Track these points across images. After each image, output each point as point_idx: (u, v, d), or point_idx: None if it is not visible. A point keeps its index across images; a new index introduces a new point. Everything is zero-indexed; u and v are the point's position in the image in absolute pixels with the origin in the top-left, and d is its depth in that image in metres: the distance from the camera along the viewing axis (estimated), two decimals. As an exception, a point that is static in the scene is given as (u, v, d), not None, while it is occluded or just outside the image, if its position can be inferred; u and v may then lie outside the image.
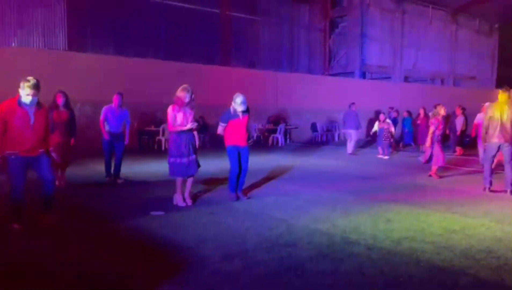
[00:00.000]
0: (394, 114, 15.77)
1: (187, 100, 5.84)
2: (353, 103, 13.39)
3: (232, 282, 3.35)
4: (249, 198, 6.47)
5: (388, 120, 12.87)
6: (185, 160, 5.86)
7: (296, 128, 19.25)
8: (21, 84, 4.48)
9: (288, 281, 3.38)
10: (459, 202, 6.39)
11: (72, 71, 13.37)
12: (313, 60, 23.95)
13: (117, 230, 4.79)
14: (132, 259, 3.87)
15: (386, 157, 12.31)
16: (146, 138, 15.04)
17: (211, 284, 3.31)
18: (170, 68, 15.84)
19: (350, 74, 23.75)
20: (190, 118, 5.92)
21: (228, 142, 6.34)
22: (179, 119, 5.87)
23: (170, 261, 3.85)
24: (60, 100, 7.04)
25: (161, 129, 14.71)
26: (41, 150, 4.68)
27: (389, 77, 25.41)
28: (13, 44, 14.64)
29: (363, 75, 24.07)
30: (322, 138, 19.57)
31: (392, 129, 12.82)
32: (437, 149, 8.62)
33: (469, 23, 29.02)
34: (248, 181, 6.63)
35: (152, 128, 14.95)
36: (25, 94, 4.47)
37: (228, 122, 6.30)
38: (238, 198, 6.31)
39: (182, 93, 5.83)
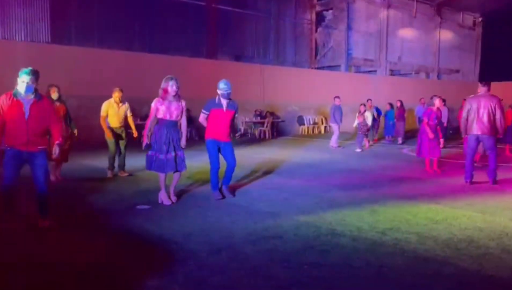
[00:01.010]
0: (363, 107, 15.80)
1: (173, 88, 5.47)
2: (337, 97, 13.44)
3: (219, 274, 3.37)
4: (235, 196, 6.16)
5: (367, 113, 12.88)
6: (162, 156, 5.49)
7: (283, 121, 19.30)
8: (19, 73, 4.29)
9: (275, 273, 3.41)
10: (443, 193, 6.50)
11: (56, 64, 13.16)
12: (300, 53, 23.97)
13: (103, 224, 4.76)
14: (119, 253, 3.85)
15: (358, 150, 12.28)
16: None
17: (198, 277, 3.32)
18: (156, 61, 15.70)
19: (336, 67, 23.85)
20: (176, 112, 5.56)
21: (208, 135, 5.99)
22: (161, 112, 5.52)
23: (157, 255, 3.84)
24: (55, 94, 6.92)
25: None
26: (40, 147, 4.41)
27: (375, 71, 25.59)
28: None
29: (349, 69, 24.19)
30: (309, 131, 19.67)
31: (368, 122, 12.86)
32: (429, 141, 8.35)
33: (453, 17, 29.35)
34: (234, 174, 6.40)
35: (138, 121, 14.82)
36: (21, 81, 4.23)
37: (210, 111, 5.95)
38: (223, 197, 5.97)
39: (165, 83, 5.52)
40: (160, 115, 5.55)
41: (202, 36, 19.40)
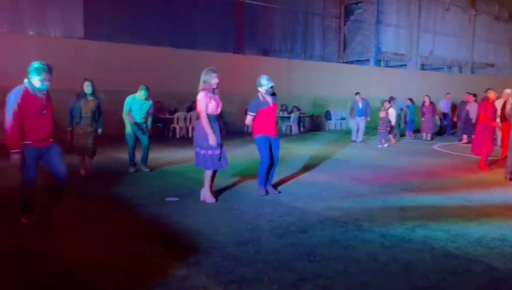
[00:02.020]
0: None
1: (215, 81, 5.26)
2: (357, 93, 13.30)
3: (245, 266, 3.39)
4: (279, 192, 6.02)
5: (391, 110, 12.60)
6: (218, 151, 5.31)
7: (310, 116, 19.17)
8: (34, 69, 4.18)
9: (301, 267, 3.41)
10: (476, 190, 6.32)
11: (88, 59, 13.51)
12: (328, 47, 23.71)
13: (131, 215, 4.87)
14: (147, 243, 3.93)
15: (384, 146, 11.97)
16: (161, 126, 15.16)
17: (224, 268, 3.35)
18: (183, 56, 15.89)
19: (365, 61, 23.49)
20: (219, 104, 5.36)
21: (258, 132, 5.77)
22: (211, 106, 5.27)
23: (184, 245, 3.90)
24: (89, 89, 6.99)
25: (175, 117, 14.81)
26: (51, 140, 4.43)
27: (405, 65, 25.04)
28: (31, 32, 14.81)
29: (378, 63, 23.77)
30: (336, 126, 19.47)
31: (392, 119, 12.56)
32: (485, 137, 7.95)
33: (488, 9, 28.32)
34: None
35: (167, 115, 15.05)
36: (40, 79, 4.17)
37: (257, 112, 5.73)
38: (267, 193, 5.85)
39: (208, 76, 5.26)
40: (208, 110, 5.29)
41: (229, 31, 19.46)
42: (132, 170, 7.59)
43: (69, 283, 3.10)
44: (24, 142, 4.19)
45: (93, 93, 7.11)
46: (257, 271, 3.31)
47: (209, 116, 5.26)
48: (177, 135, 14.60)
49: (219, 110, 5.38)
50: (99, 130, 7.36)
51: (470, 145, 11.74)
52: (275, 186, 6.21)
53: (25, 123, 4.18)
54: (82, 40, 15.20)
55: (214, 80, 5.26)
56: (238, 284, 3.08)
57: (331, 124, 19.50)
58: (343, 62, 23.63)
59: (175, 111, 15.14)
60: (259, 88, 5.73)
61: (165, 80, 15.18)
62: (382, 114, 12.23)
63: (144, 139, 7.66)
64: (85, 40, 15.14)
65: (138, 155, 7.74)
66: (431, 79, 24.31)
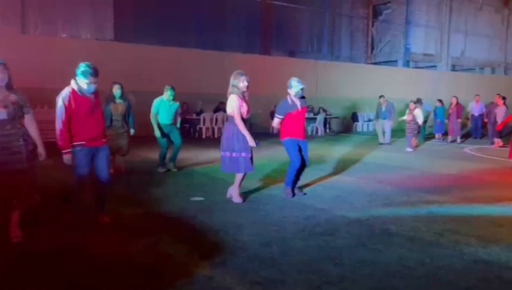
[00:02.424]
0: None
1: (244, 84, 5.22)
2: (381, 96, 13.10)
3: (269, 267, 3.39)
4: (305, 194, 5.99)
5: (416, 111, 12.28)
6: (249, 155, 5.29)
7: (336, 117, 19.00)
8: (80, 72, 4.20)
9: (326, 269, 3.38)
10: (509, 195, 6.12)
11: (117, 61, 13.81)
12: (355, 48, 23.46)
13: (158, 214, 4.95)
14: (172, 242, 3.98)
15: (409, 150, 11.53)
16: (187, 127, 15.33)
17: (249, 268, 3.36)
18: (210, 57, 16.03)
19: (393, 62, 23.10)
20: (248, 108, 5.33)
21: (286, 135, 5.71)
22: (244, 109, 5.24)
23: (209, 245, 3.92)
24: (118, 92, 7.09)
25: (201, 117, 14.96)
26: (103, 140, 4.46)
27: (435, 66, 24.50)
28: (64, 35, 15.27)
29: (407, 64, 23.34)
30: (363, 128, 19.22)
31: (419, 121, 12.24)
32: None
33: (523, 8, 27.38)
34: (284, 169, 6.25)
35: (193, 116, 15.22)
36: (86, 83, 4.19)
37: (285, 115, 5.67)
38: (294, 195, 5.78)
39: (236, 79, 5.22)
40: (243, 113, 5.27)
41: (256, 32, 19.52)
42: (161, 169, 7.67)
43: (94, 281, 3.16)
44: (77, 143, 4.24)
45: (122, 96, 7.22)
46: (282, 273, 3.30)
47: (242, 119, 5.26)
48: (203, 136, 14.73)
49: (248, 114, 5.34)
50: (132, 131, 7.46)
51: (503, 148, 11.41)
52: (301, 188, 6.17)
53: (76, 123, 4.23)
54: (111, 41, 15.56)
55: (242, 83, 5.22)
56: (263, 285, 3.08)
57: (358, 126, 19.26)
58: (371, 63, 23.31)
59: (201, 112, 15.29)
60: (289, 90, 5.64)
61: (192, 81, 15.36)
62: (408, 117, 11.91)
63: (177, 140, 7.71)
64: (114, 41, 15.49)
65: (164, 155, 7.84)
66: (462, 80, 23.68)
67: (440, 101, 14.94)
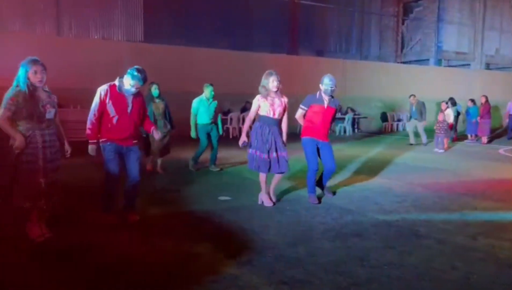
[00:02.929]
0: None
1: (274, 84, 5.15)
2: (412, 95, 12.81)
3: (296, 268, 3.38)
4: (334, 194, 5.89)
5: (448, 111, 11.90)
6: (264, 156, 5.13)
7: (365, 117, 18.73)
8: (131, 74, 4.25)
9: (353, 270, 3.34)
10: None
11: (148, 62, 14.03)
12: (385, 47, 23.04)
13: (186, 213, 5.00)
14: (199, 241, 4.01)
15: (440, 151, 11.16)
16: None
17: (275, 268, 3.36)
18: (238, 58, 16.09)
19: (424, 61, 22.57)
20: (280, 108, 5.22)
21: (305, 133, 5.55)
22: (265, 108, 5.20)
23: (235, 244, 3.94)
24: (156, 91, 7.18)
25: (229, 117, 15.06)
26: (135, 141, 4.48)
27: (468, 64, 23.78)
28: (96, 36, 15.67)
29: (439, 62, 22.75)
30: (392, 128, 18.88)
31: (450, 121, 11.86)
32: None
33: None
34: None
35: (221, 116, 15.31)
36: (131, 84, 4.26)
37: (309, 106, 5.55)
38: (319, 201, 5.49)
39: (266, 79, 5.20)
40: (262, 112, 5.23)
41: (283, 32, 19.45)
42: (194, 168, 7.69)
43: (121, 279, 3.21)
44: (106, 139, 4.30)
45: (160, 95, 7.27)
46: (308, 273, 3.28)
47: (263, 118, 5.22)
48: (230, 136, 14.82)
49: (277, 114, 5.21)
50: (169, 128, 7.38)
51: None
52: (330, 188, 6.07)
53: (108, 119, 4.29)
54: (141, 43, 15.86)
55: (272, 83, 5.17)
56: (289, 285, 3.07)
57: (388, 126, 18.93)
58: (401, 62, 22.85)
59: (228, 112, 15.38)
60: (320, 85, 5.54)
61: (220, 81, 15.39)
62: (440, 116, 11.62)
63: (216, 140, 7.70)
64: (145, 43, 15.78)
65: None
66: (497, 79, 22.90)
67: (472, 100, 14.49)
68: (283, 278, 3.19)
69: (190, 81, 12.88)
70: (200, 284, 3.09)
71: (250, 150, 5.23)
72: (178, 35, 16.99)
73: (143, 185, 6.41)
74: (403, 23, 23.13)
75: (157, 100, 7.23)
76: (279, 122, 5.29)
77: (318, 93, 5.58)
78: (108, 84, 4.33)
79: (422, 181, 7.10)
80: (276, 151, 5.15)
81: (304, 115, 5.64)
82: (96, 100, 4.28)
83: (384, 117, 19.12)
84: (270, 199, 5.35)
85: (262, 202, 5.33)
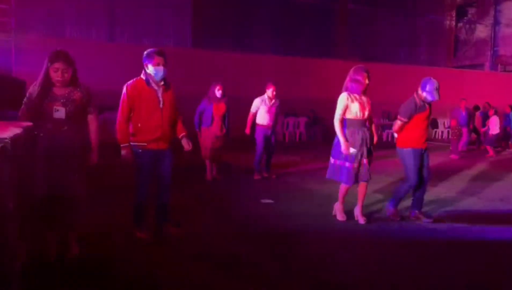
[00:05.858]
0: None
1: (365, 82, 4.49)
2: (463, 99, 12.19)
3: (340, 273, 3.34)
4: (432, 221, 4.79)
5: (494, 117, 11.25)
6: (349, 165, 4.48)
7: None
8: (146, 55, 3.80)
9: (398, 281, 3.26)
10: None
11: (196, 67, 14.40)
12: (436, 51, 22.25)
13: (230, 216, 5.05)
14: (244, 243, 4.03)
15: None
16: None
17: (320, 274, 3.33)
18: (285, 63, 16.14)
19: (479, 66, 21.58)
20: (368, 107, 4.56)
21: (408, 144, 4.71)
22: (354, 109, 4.49)
23: (278, 247, 3.93)
24: (220, 92, 6.67)
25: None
26: (169, 143, 3.92)
27: (527, 70, 22.49)
28: (146, 42, 16.25)
29: (495, 67, 21.66)
30: (443, 136, 18.17)
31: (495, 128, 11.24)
32: None
33: None
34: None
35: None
36: (155, 64, 3.72)
37: (411, 118, 4.67)
38: (400, 218, 4.79)
39: (357, 76, 4.50)
40: (350, 115, 4.52)
41: (331, 37, 19.28)
42: (257, 177, 7.17)
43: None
44: (138, 143, 3.78)
45: (222, 97, 6.77)
46: (355, 279, 3.23)
47: (352, 121, 4.52)
48: (286, 140, 14.97)
49: (366, 115, 4.57)
50: (224, 131, 6.88)
51: None
52: (425, 213, 4.95)
53: (137, 118, 3.77)
54: (190, 48, 16.28)
55: (364, 80, 4.51)
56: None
57: (438, 133, 18.24)
58: (453, 67, 21.98)
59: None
60: (419, 91, 4.71)
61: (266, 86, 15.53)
62: (452, 122, 11.33)
63: (272, 145, 7.21)
64: (193, 48, 16.18)
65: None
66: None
67: (511, 106, 13.65)
68: (326, 286, 3.15)
69: (237, 86, 13.02)
70: (244, 282, 3.10)
71: (336, 161, 4.60)
72: (226, 41, 17.27)
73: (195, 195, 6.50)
74: (456, 27, 22.27)
75: (219, 101, 6.72)
76: (366, 123, 4.63)
77: (417, 100, 4.70)
78: (134, 78, 3.84)
79: (472, 189, 6.76)
80: (361, 158, 4.53)
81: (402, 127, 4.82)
82: (122, 97, 3.78)
83: (434, 124, 18.43)
84: (359, 217, 4.67)
85: (336, 214, 4.80)
